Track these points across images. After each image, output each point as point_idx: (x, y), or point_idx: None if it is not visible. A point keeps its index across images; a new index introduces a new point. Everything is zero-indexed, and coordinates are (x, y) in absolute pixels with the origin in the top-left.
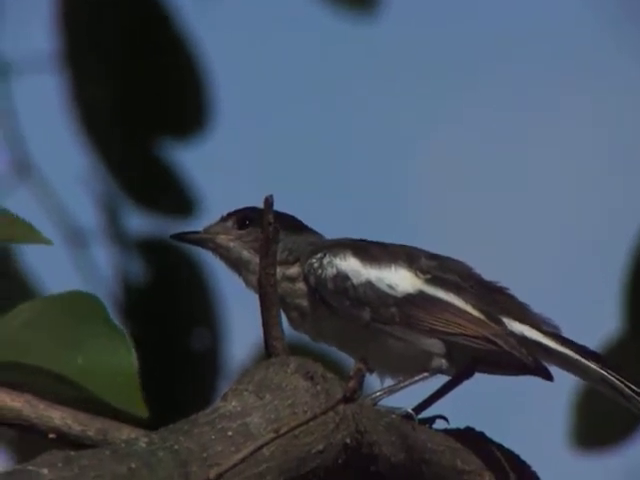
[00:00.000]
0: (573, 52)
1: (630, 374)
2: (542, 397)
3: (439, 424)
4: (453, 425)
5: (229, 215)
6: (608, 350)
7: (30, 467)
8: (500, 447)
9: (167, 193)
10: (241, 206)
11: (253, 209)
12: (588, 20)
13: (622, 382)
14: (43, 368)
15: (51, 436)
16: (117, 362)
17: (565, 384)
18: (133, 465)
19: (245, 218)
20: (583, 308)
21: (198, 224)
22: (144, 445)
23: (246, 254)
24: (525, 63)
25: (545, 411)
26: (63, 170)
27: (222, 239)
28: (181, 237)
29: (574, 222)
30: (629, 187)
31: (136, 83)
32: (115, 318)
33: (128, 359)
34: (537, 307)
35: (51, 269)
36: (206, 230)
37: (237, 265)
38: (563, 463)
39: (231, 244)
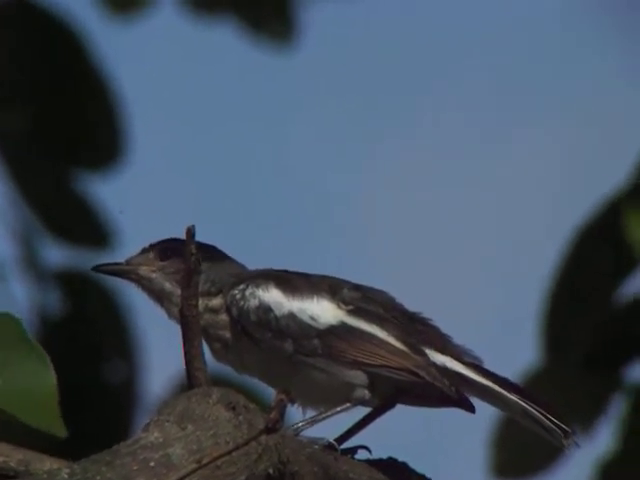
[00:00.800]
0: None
1: (551, 404)
2: (464, 428)
3: (361, 454)
4: (375, 455)
5: (151, 246)
6: (528, 379)
7: None
8: (423, 477)
9: (83, 225)
10: (163, 237)
11: (175, 240)
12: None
13: (543, 414)
14: None
15: None
16: (36, 382)
17: (487, 415)
18: None
19: (167, 249)
20: (503, 338)
21: (114, 256)
22: (66, 476)
23: (168, 285)
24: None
25: (468, 442)
26: None
27: (144, 270)
28: (102, 269)
29: (494, 249)
30: (554, 216)
31: (52, 114)
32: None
33: (48, 379)
34: (457, 336)
35: None
36: (128, 261)
37: (159, 297)
38: None
39: (153, 275)
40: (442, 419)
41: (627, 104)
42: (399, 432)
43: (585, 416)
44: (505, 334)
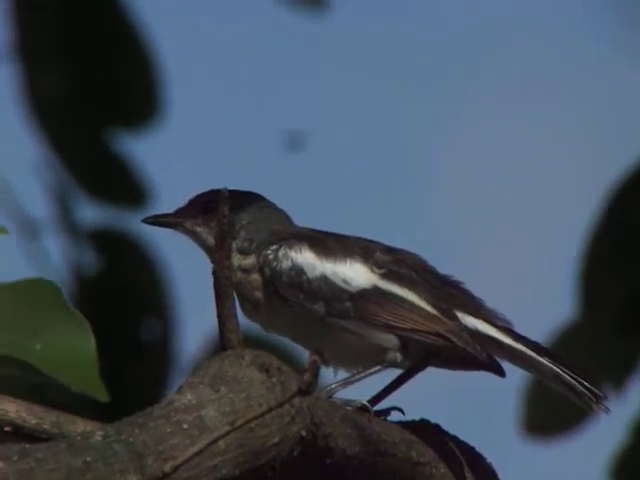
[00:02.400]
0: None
1: (583, 368)
2: (495, 389)
3: (394, 416)
4: (409, 417)
5: (196, 198)
6: (562, 336)
7: None
8: (455, 439)
9: (119, 184)
10: (208, 189)
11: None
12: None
13: (575, 378)
14: (3, 355)
15: (6, 429)
16: (76, 347)
17: (517, 377)
18: (89, 458)
19: (211, 201)
20: (540, 293)
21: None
22: (100, 438)
23: (212, 240)
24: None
25: (498, 403)
26: (15, 160)
27: (189, 224)
28: (151, 220)
29: (532, 206)
30: (587, 173)
31: (87, 74)
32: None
33: (87, 344)
34: (496, 292)
35: (3, 260)
36: (176, 213)
37: (204, 249)
38: (518, 454)
39: (197, 229)
40: (473, 380)
41: None
42: (432, 393)
43: (618, 375)
44: (542, 291)
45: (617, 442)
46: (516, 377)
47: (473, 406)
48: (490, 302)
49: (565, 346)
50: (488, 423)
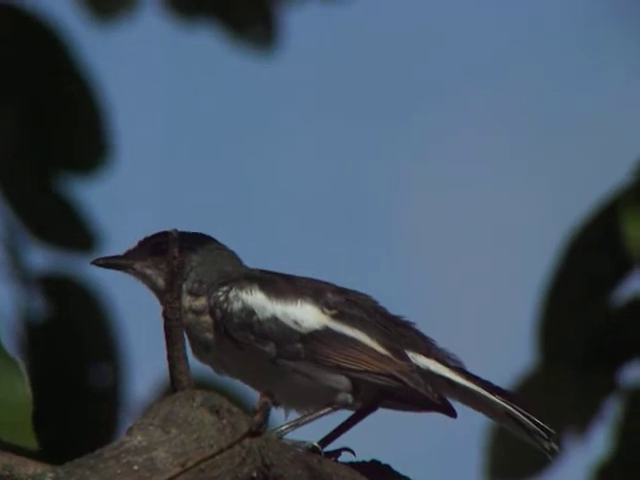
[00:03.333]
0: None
1: (544, 405)
2: (449, 430)
3: (345, 457)
4: (359, 458)
5: (145, 240)
6: (523, 382)
7: None
8: (406, 479)
9: (68, 228)
10: (157, 231)
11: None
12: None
13: (527, 417)
14: None
15: None
16: (10, 394)
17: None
18: None
19: (161, 243)
20: (499, 341)
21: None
22: None
23: (161, 282)
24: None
25: (452, 443)
26: None
27: (139, 265)
28: (101, 262)
29: (490, 253)
30: (547, 221)
31: (37, 118)
32: (9, 348)
33: (22, 391)
34: (453, 337)
35: None
36: (126, 255)
37: (154, 292)
38: None
39: (147, 271)
40: (425, 423)
41: (624, 109)
42: (382, 435)
43: (581, 418)
44: (501, 337)
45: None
46: (475, 421)
47: (430, 449)
48: (452, 349)
49: (527, 393)
50: (445, 466)
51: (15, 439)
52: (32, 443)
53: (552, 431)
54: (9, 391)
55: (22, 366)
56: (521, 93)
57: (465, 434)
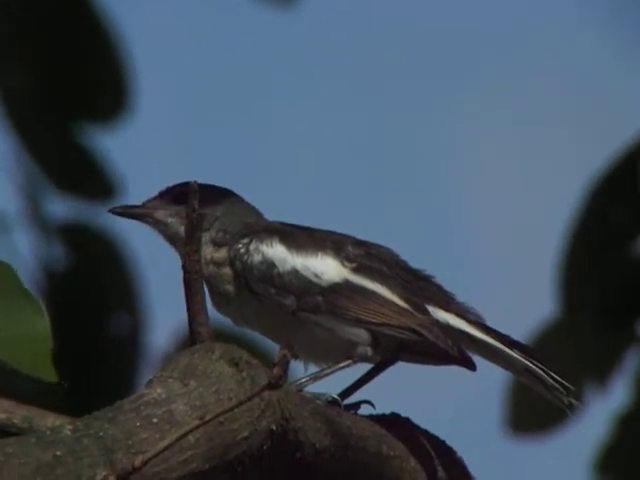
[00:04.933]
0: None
1: (564, 357)
2: (470, 383)
3: (365, 409)
4: (379, 411)
5: (167, 190)
6: (543, 333)
7: None
8: (426, 433)
9: (88, 177)
10: (179, 181)
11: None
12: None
13: (545, 372)
14: None
15: None
16: (30, 328)
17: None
18: (58, 452)
19: (183, 193)
20: (521, 292)
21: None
22: (69, 432)
23: (182, 230)
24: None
25: (473, 397)
26: None
27: (160, 214)
28: (119, 211)
29: (509, 206)
30: (567, 173)
31: (57, 68)
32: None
33: (41, 325)
34: (475, 289)
35: None
36: (145, 204)
37: (174, 241)
38: (490, 448)
39: (169, 220)
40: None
41: None
42: (402, 388)
43: (600, 371)
44: (523, 289)
45: (601, 437)
46: (495, 374)
47: (452, 403)
48: (472, 300)
49: (547, 344)
50: (466, 420)
51: (34, 372)
52: (51, 376)
53: (570, 386)
54: (28, 325)
55: (41, 302)
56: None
57: (485, 387)
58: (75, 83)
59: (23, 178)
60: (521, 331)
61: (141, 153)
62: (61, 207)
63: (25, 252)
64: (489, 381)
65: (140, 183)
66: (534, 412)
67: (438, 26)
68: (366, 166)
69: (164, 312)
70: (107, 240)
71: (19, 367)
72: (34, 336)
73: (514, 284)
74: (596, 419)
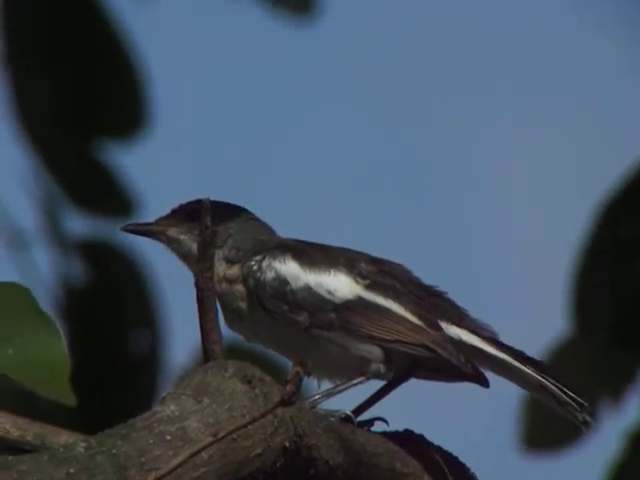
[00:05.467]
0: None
1: (578, 374)
2: (483, 399)
3: (378, 426)
4: (392, 428)
5: (180, 207)
6: (556, 352)
7: None
8: (439, 449)
9: (106, 194)
10: (192, 199)
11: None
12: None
13: (559, 388)
14: None
15: None
16: (47, 351)
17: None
18: (72, 470)
19: (196, 210)
20: (532, 310)
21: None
22: (82, 450)
23: (195, 248)
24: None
25: (486, 413)
26: (2, 171)
27: (173, 231)
28: (131, 228)
29: (523, 223)
30: (579, 189)
31: (75, 84)
32: (46, 309)
33: (58, 348)
34: (489, 307)
35: None
36: (157, 222)
37: (187, 258)
38: (504, 465)
39: (181, 237)
40: (458, 392)
41: None
42: (415, 404)
43: (613, 387)
44: (536, 307)
45: (614, 454)
46: (508, 391)
47: (466, 420)
48: (485, 316)
49: (560, 360)
50: (480, 437)
51: (52, 395)
52: (70, 399)
53: (584, 403)
54: (46, 348)
55: (57, 324)
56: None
57: (499, 403)
58: (93, 99)
59: (41, 194)
60: (534, 347)
61: (159, 169)
62: (79, 224)
63: (44, 269)
64: (503, 397)
65: (158, 199)
66: (548, 428)
67: (452, 30)
68: (380, 179)
69: (184, 329)
70: (125, 257)
71: (38, 390)
72: (52, 359)
73: (527, 300)
74: (609, 436)
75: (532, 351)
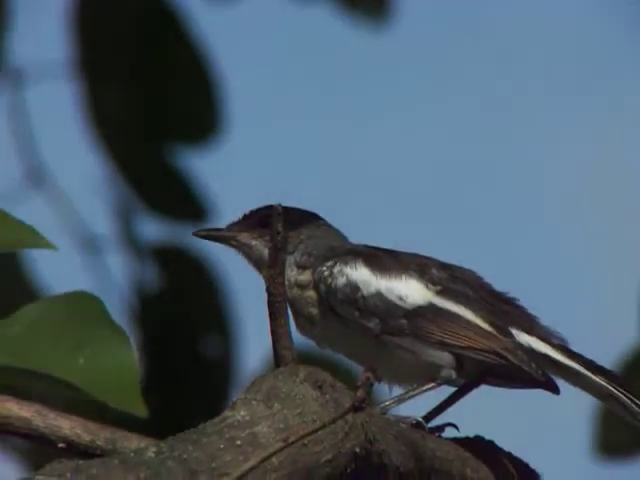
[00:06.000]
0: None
1: (638, 388)
2: (555, 406)
3: (449, 432)
4: (463, 433)
5: (252, 213)
6: (628, 360)
7: (39, 476)
8: (510, 455)
9: (180, 199)
10: (264, 204)
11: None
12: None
13: (629, 398)
14: (40, 372)
15: (61, 445)
16: (118, 361)
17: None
18: (142, 475)
19: (268, 216)
20: (604, 318)
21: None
22: (153, 455)
23: (267, 253)
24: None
25: (558, 419)
26: (77, 177)
27: (244, 237)
28: (203, 234)
29: (594, 232)
30: None
31: (150, 90)
32: (118, 318)
33: (129, 358)
34: (559, 315)
35: (65, 276)
36: (229, 228)
37: (259, 264)
38: (576, 471)
39: (253, 242)
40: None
41: None
42: (486, 411)
43: None
44: (608, 312)
45: None
46: (581, 398)
47: (537, 426)
48: (556, 324)
49: (632, 371)
50: (551, 443)
51: (123, 406)
52: (141, 410)
53: None
54: (116, 358)
55: (129, 332)
56: None
57: (571, 409)
58: (167, 105)
59: (115, 200)
60: (607, 357)
61: (232, 174)
62: (154, 229)
63: (118, 275)
64: (576, 404)
65: (231, 205)
66: (622, 435)
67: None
68: (450, 188)
69: (255, 335)
70: (199, 262)
71: (109, 401)
72: (123, 370)
73: (600, 309)
74: None
75: (604, 360)
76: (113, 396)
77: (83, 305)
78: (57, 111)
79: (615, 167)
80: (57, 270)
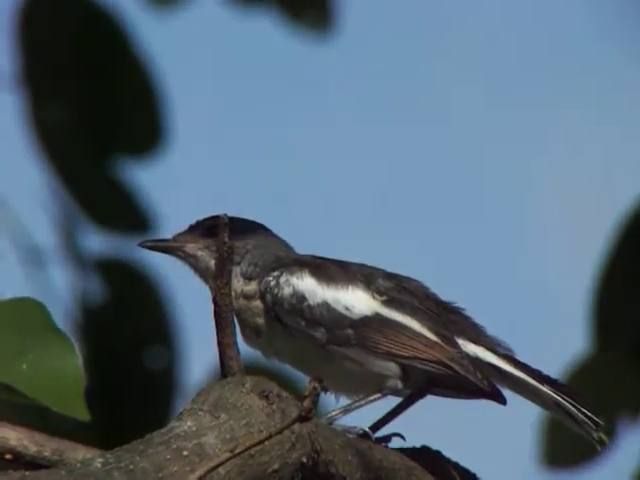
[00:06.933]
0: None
1: (597, 392)
2: (501, 417)
3: (395, 442)
4: (409, 444)
5: (197, 224)
6: (577, 368)
7: None
8: (457, 466)
9: (124, 211)
10: (209, 215)
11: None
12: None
13: (575, 407)
14: None
15: (7, 457)
16: (61, 366)
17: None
18: None
19: (213, 226)
20: (552, 328)
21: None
22: (99, 465)
23: (213, 263)
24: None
25: (501, 431)
26: (21, 189)
27: (190, 248)
28: (149, 245)
29: (546, 240)
30: (601, 201)
31: (93, 102)
32: (63, 326)
33: (72, 363)
34: (506, 322)
35: (8, 288)
36: (175, 238)
37: (205, 274)
38: None
39: (199, 253)
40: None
41: None
42: (432, 421)
43: (634, 405)
44: (555, 321)
45: (635, 470)
46: (526, 408)
47: (484, 437)
48: (503, 334)
49: (581, 379)
50: (498, 454)
51: (68, 410)
52: (84, 414)
53: (600, 422)
54: (60, 363)
55: (73, 339)
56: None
57: (518, 420)
58: (110, 117)
59: (59, 212)
60: (555, 364)
61: (176, 185)
62: (96, 241)
63: (61, 286)
64: (522, 415)
65: (174, 217)
66: (568, 446)
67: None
68: (407, 195)
69: (200, 345)
70: (142, 274)
71: (52, 405)
72: (66, 374)
73: (547, 318)
74: (631, 452)
75: (551, 370)
76: (56, 400)
77: (26, 311)
78: (0, 123)
79: (572, 167)
80: None
